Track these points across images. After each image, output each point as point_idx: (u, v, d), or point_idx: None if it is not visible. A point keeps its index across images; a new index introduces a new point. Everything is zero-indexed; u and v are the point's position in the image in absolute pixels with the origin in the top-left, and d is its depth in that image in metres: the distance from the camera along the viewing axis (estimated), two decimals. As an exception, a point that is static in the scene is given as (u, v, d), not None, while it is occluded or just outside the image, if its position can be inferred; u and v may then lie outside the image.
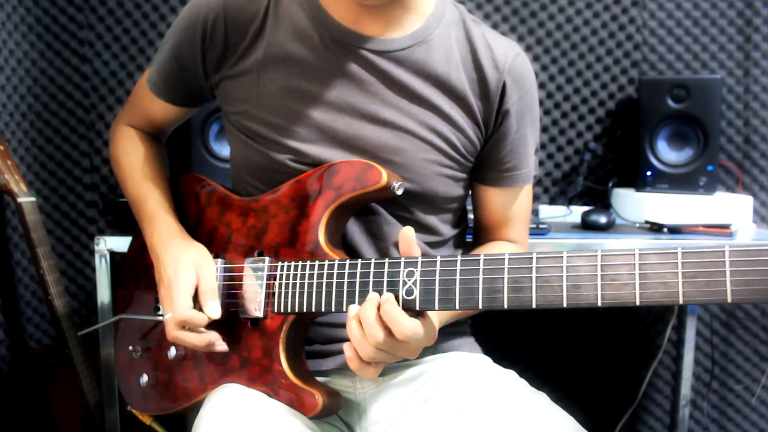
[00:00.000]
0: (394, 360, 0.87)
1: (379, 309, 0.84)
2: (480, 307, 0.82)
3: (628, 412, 2.01)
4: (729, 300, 0.69)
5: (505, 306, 0.81)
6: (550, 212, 1.81)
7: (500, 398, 0.94)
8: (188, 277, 1.00)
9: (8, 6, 1.70)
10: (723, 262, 0.70)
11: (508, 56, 1.05)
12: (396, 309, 0.83)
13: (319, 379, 1.02)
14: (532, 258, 0.80)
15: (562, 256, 0.78)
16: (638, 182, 1.80)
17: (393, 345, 0.84)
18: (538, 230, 1.53)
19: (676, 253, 0.72)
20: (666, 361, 2.02)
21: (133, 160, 1.18)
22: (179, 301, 0.98)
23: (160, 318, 1.10)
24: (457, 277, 0.84)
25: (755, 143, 1.92)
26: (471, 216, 1.21)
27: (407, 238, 0.86)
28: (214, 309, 0.99)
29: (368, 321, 0.83)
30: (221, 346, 1.00)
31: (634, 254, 0.74)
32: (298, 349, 1.00)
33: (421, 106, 1.03)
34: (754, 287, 0.68)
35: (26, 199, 1.51)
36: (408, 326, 0.82)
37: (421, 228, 1.08)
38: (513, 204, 1.14)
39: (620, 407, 2.02)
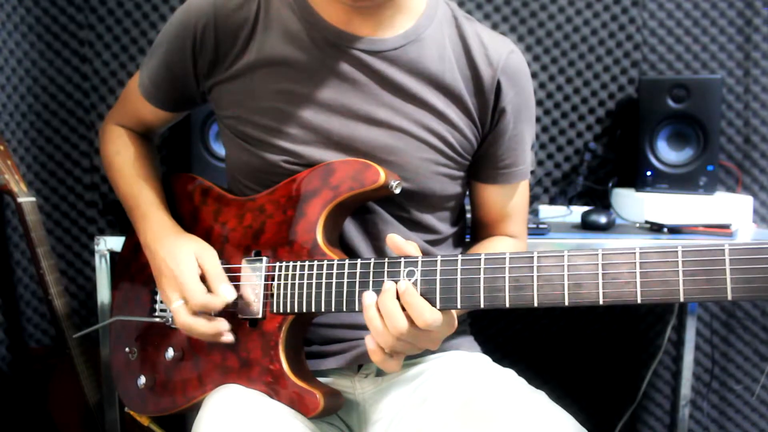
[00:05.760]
0: (415, 351, 0.88)
1: (398, 299, 0.84)
2: (482, 306, 0.83)
3: (628, 412, 2.01)
4: (729, 297, 0.70)
5: (507, 305, 0.81)
6: (550, 212, 1.81)
7: (499, 397, 0.94)
8: (190, 264, 1.00)
9: (8, 6, 1.70)
10: (723, 260, 0.70)
11: (501, 54, 1.05)
12: (417, 297, 0.84)
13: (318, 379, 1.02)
14: (533, 257, 0.80)
15: (563, 255, 0.78)
16: (638, 182, 1.80)
17: (415, 335, 0.84)
18: (538, 230, 1.52)
19: (677, 251, 0.73)
20: (666, 361, 2.02)
21: (124, 159, 1.18)
22: (192, 286, 0.98)
23: (157, 319, 1.10)
24: (458, 276, 0.84)
25: (755, 143, 1.92)
26: (469, 216, 1.21)
27: (395, 245, 0.88)
28: (227, 291, 0.98)
29: (390, 311, 0.84)
30: (227, 337, 0.99)
31: (634, 253, 0.75)
32: (297, 349, 0.99)
33: (416, 105, 1.03)
34: (754, 284, 0.69)
35: (26, 199, 1.51)
36: (429, 314, 0.83)
37: (419, 227, 1.08)
38: (511, 200, 1.14)
39: (620, 407, 2.02)
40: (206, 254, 1.02)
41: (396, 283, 0.85)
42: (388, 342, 0.85)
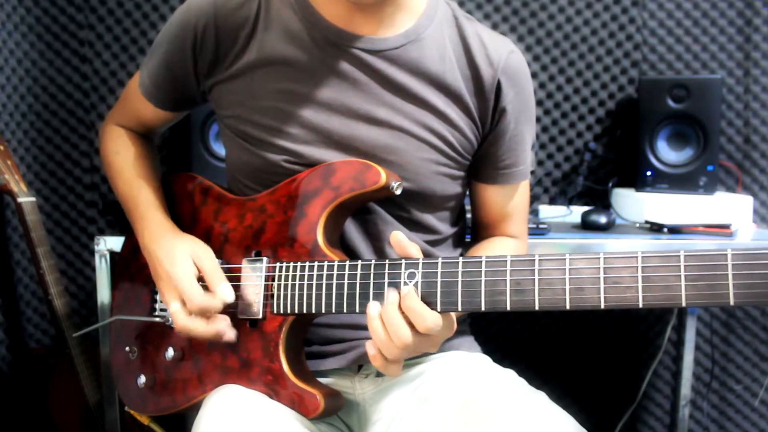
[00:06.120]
0: (416, 355, 0.88)
1: (400, 305, 0.84)
2: (483, 308, 0.83)
3: (628, 412, 2.01)
4: (732, 303, 0.69)
5: (508, 308, 0.81)
6: (550, 212, 1.81)
7: (499, 397, 0.94)
8: (186, 266, 0.99)
9: (8, 6, 1.70)
10: (725, 265, 0.70)
11: (502, 54, 1.05)
12: (419, 303, 0.84)
13: (318, 379, 1.02)
14: (534, 260, 0.80)
15: (564, 258, 0.78)
16: (638, 182, 1.80)
17: (417, 341, 0.85)
18: (538, 230, 1.52)
19: (679, 256, 0.72)
20: (666, 361, 2.02)
21: (123, 159, 1.18)
22: (189, 290, 0.97)
23: (157, 319, 1.10)
24: (459, 278, 0.84)
25: (755, 143, 1.92)
26: (469, 216, 1.21)
27: (399, 242, 0.87)
28: (227, 291, 0.98)
29: (394, 322, 0.84)
30: (229, 335, 0.98)
31: (636, 257, 0.74)
32: (298, 349, 0.99)
33: (416, 104, 1.03)
34: (757, 290, 0.68)
35: (26, 199, 1.51)
36: (430, 319, 0.83)
37: (419, 227, 1.08)
38: (511, 200, 1.14)
39: (620, 407, 2.02)
40: (203, 254, 1.01)
41: (398, 291, 0.85)
42: (391, 352, 0.85)
